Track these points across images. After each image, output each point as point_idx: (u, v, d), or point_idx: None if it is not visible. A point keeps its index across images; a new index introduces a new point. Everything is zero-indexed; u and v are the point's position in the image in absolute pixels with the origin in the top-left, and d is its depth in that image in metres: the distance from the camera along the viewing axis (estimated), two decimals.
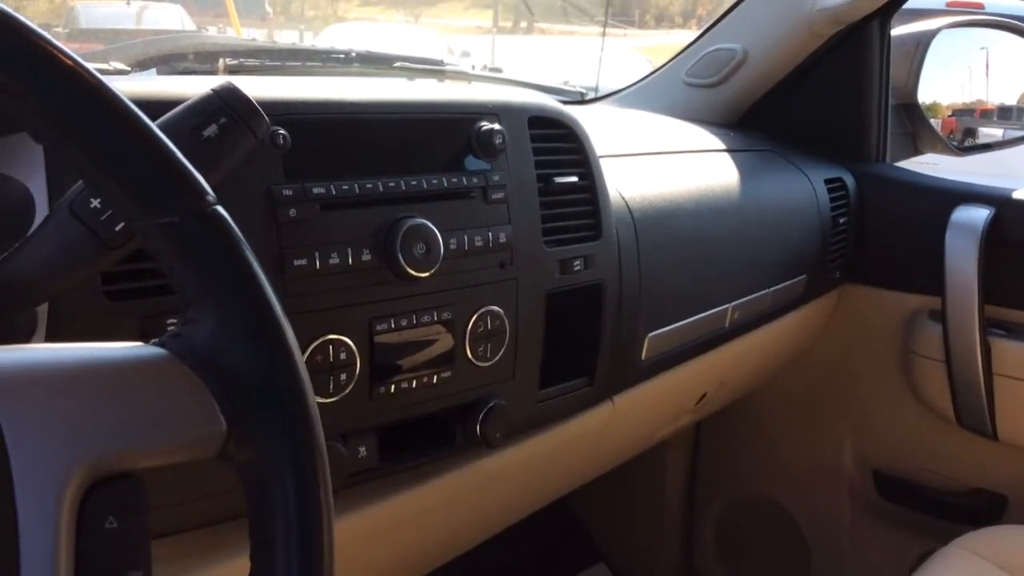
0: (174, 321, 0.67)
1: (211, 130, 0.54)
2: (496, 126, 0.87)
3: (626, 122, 1.46)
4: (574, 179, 0.97)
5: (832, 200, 1.47)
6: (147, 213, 0.43)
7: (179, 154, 0.44)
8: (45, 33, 0.41)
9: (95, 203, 0.54)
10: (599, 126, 1.12)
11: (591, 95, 1.74)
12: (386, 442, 0.82)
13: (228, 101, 0.55)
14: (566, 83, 1.74)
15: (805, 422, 1.71)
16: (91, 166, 0.42)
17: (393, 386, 0.80)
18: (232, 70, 1.24)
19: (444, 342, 0.84)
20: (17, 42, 0.40)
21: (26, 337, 0.64)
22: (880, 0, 1.41)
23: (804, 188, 1.43)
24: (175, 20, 9.30)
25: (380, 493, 0.85)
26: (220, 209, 0.45)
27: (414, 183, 0.81)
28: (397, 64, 1.44)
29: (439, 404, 0.85)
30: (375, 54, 1.47)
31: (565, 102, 1.63)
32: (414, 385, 0.82)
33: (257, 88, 0.75)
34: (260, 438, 0.43)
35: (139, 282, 0.65)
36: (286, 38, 11.24)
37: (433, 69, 1.48)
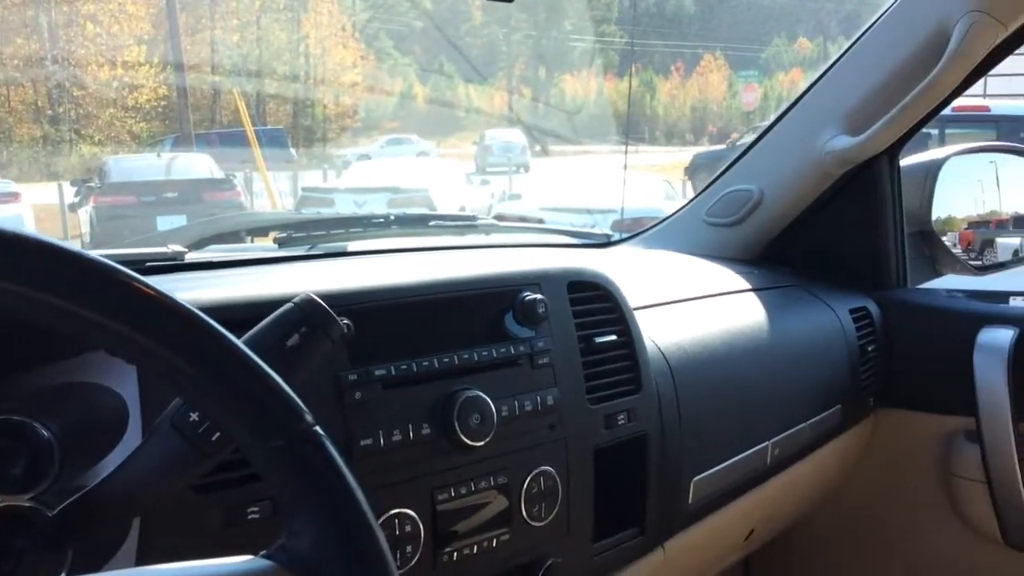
0: (255, 510, 0.72)
1: (293, 340, 0.60)
2: (538, 296, 0.93)
3: (653, 266, 1.52)
4: (613, 337, 1.02)
5: (858, 329, 1.51)
6: (256, 439, 0.48)
7: (278, 379, 0.50)
8: (141, 278, 0.47)
9: (194, 416, 0.60)
10: (628, 273, 1.18)
11: (616, 236, 1.82)
12: None
13: (307, 312, 0.61)
14: (593, 226, 1.82)
15: (852, 550, 1.71)
16: (200, 396, 0.47)
17: (455, 553, 0.84)
18: (281, 242, 1.33)
19: (500, 505, 0.88)
20: (124, 290, 0.46)
21: (122, 537, 0.68)
22: (884, 143, 1.48)
23: (830, 320, 1.48)
24: (204, 168, 9.65)
25: None
26: (317, 428, 0.50)
27: (466, 356, 0.87)
28: (432, 224, 1.53)
29: (499, 567, 0.89)
30: (411, 216, 1.56)
31: (591, 245, 1.71)
32: (475, 551, 0.85)
33: (322, 281, 0.81)
34: None
35: (222, 474, 0.70)
36: (311, 178, 11.63)
37: (466, 225, 1.56)
